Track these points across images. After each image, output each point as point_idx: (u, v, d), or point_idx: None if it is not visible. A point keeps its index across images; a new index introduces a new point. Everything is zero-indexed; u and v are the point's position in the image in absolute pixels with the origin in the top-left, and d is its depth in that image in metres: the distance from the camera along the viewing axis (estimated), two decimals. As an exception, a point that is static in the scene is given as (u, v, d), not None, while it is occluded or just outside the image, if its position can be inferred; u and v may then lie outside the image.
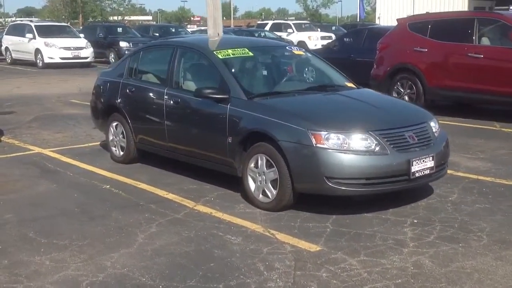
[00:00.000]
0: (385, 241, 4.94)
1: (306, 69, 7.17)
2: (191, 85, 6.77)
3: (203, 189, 6.55)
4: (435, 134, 5.87)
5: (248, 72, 6.77)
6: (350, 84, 6.85)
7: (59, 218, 5.70)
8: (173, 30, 31.59)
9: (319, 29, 34.11)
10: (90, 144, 9.07)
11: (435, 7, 35.57)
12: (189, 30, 35.89)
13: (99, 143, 9.08)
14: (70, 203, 6.14)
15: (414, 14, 45.19)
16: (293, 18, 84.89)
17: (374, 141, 5.35)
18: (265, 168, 5.71)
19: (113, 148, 7.90)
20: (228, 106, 6.04)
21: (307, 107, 5.94)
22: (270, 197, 5.71)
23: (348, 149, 5.30)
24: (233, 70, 6.38)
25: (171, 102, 6.75)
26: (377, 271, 4.36)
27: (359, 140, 5.34)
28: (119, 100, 7.61)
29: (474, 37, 10.55)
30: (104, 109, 7.98)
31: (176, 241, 5.03)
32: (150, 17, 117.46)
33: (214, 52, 6.56)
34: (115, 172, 7.34)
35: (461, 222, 5.40)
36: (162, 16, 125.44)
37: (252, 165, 5.85)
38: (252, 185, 5.90)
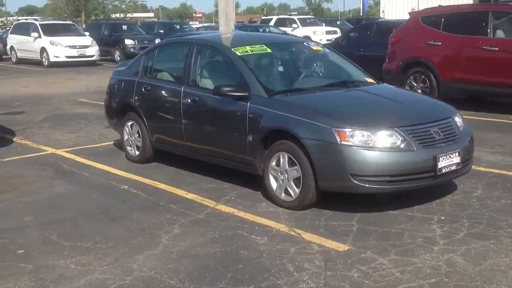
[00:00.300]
0: (414, 239, 4.85)
1: (324, 65, 7.05)
2: (208, 83, 6.68)
3: (223, 188, 6.47)
4: (460, 129, 5.77)
5: (267, 69, 6.66)
6: (370, 80, 6.75)
7: (80, 220, 5.62)
8: (178, 27, 31.46)
9: (323, 24, 33.94)
10: (104, 144, 8.99)
11: (439, 0, 35.36)
12: (193, 26, 35.77)
13: (112, 142, 9.01)
14: (90, 204, 6.07)
15: (419, 7, 44.96)
16: (296, 13, 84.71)
17: (400, 137, 5.26)
18: (287, 166, 5.62)
19: (129, 148, 7.82)
20: (248, 104, 5.95)
21: (330, 103, 5.85)
22: (293, 195, 5.62)
23: (374, 146, 5.20)
24: (252, 67, 6.27)
25: (189, 100, 6.66)
26: (409, 271, 4.27)
27: (384, 137, 5.24)
28: (134, 99, 7.53)
29: (488, 30, 10.42)
30: (119, 108, 7.89)
31: (201, 242, 4.95)
32: (152, 14, 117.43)
33: (232, 49, 6.46)
34: (132, 172, 7.26)
35: (489, 218, 5.30)
36: (163, 13, 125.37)
37: (274, 163, 5.77)
38: (273, 184, 5.81)
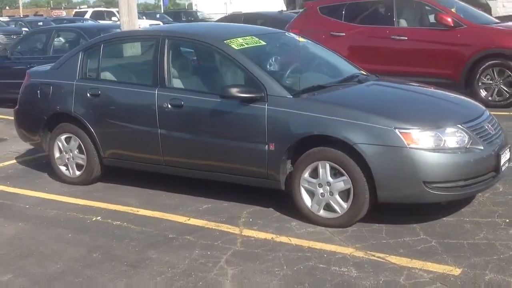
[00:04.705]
0: (512, 250, 4.31)
1: (316, 58, 6.15)
2: (198, 84, 5.55)
3: (224, 207, 5.39)
4: (498, 122, 5.36)
5: (274, 65, 5.66)
6: (364, 72, 6.08)
7: (86, 271, 4.21)
8: (41, 24, 27.64)
9: (144, 17, 32.48)
10: (6, 164, 7.20)
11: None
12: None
13: (15, 161, 7.30)
14: (77, 248, 4.63)
15: (231, 1, 44.84)
16: (85, 6, 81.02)
17: (466, 135, 4.67)
18: (330, 178, 4.76)
19: (62, 168, 6.29)
20: (266, 107, 4.95)
21: (374, 101, 5.07)
22: (339, 211, 4.77)
23: (444, 147, 4.55)
24: (258, 63, 5.26)
25: (168, 105, 5.43)
26: (561, 290, 3.71)
27: (453, 136, 4.61)
28: (74, 107, 6.04)
29: (394, 19, 10.34)
30: (46, 120, 6.29)
31: (281, 284, 3.92)
32: None
33: (225, 42, 5.37)
34: (84, 197, 5.82)
35: (549, 216, 4.95)
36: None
37: (307, 175, 4.86)
38: (307, 199, 4.90)
